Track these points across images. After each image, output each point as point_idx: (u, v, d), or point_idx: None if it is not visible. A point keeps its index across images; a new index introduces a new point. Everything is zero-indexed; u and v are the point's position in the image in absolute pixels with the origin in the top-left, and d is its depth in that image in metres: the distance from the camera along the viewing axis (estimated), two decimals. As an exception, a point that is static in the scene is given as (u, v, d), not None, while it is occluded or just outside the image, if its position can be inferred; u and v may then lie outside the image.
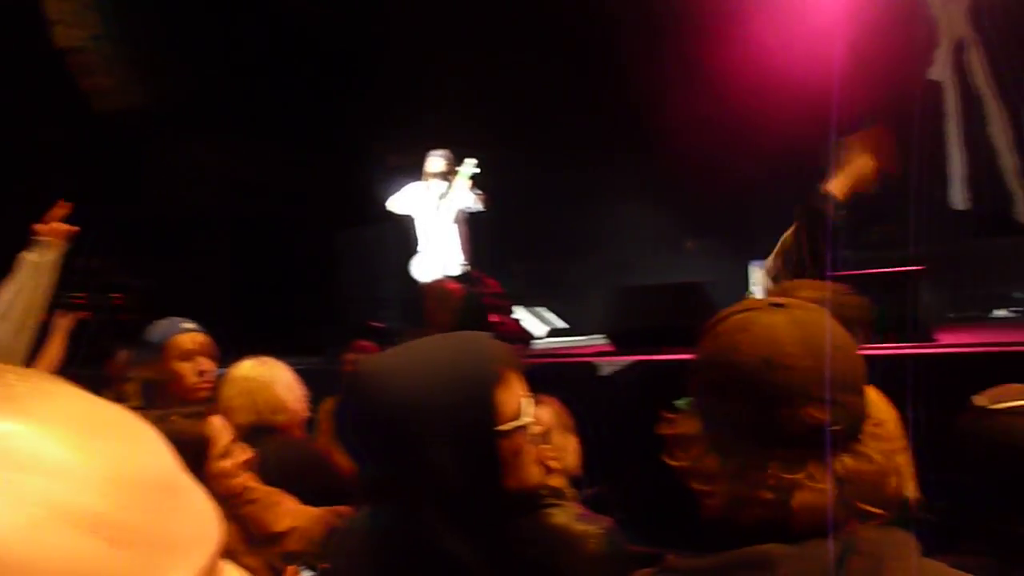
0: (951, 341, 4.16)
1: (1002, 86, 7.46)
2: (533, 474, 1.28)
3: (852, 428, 0.91)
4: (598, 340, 5.23)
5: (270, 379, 2.48)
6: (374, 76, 7.27)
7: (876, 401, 2.39)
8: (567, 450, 1.84)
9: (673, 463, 0.96)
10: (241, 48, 6.79)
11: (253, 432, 2.41)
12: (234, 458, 1.92)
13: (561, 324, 6.77)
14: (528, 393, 1.27)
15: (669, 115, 7.49)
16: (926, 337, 4.07)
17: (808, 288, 1.29)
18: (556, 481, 1.80)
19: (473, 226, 6.24)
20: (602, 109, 7.65)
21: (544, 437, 1.79)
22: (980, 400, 1.34)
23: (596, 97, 7.71)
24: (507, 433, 1.20)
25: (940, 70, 7.73)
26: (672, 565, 0.95)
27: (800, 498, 0.86)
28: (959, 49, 7.65)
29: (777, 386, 0.88)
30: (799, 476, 0.87)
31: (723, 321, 0.97)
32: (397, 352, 1.31)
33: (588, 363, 3.87)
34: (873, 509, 0.89)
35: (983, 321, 6.03)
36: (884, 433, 0.95)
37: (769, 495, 0.87)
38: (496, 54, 7.60)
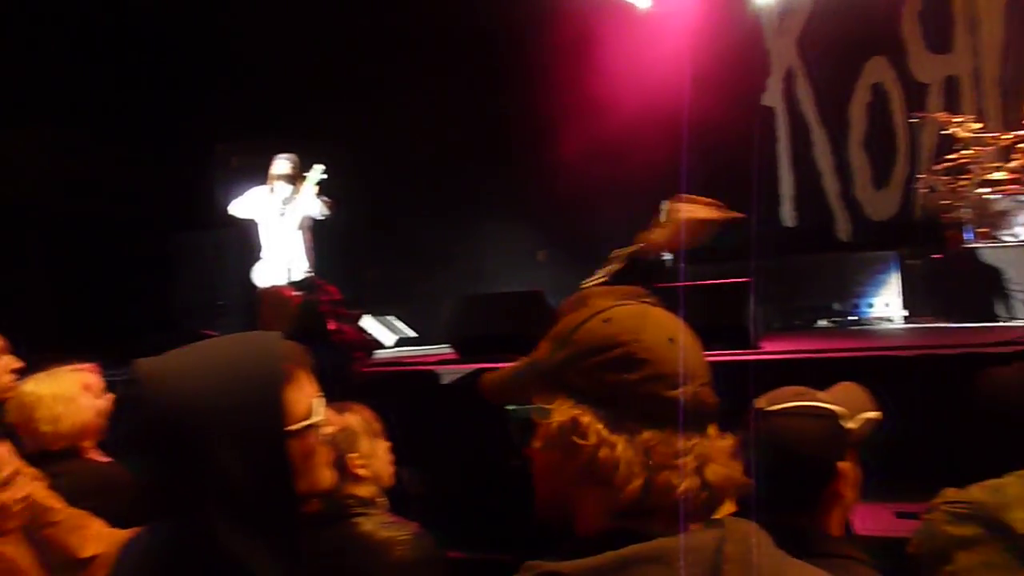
0: (777, 349, 4.43)
1: (824, 113, 8.11)
2: (326, 477, 1.22)
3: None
4: (445, 349, 5.21)
5: (58, 394, 2.29)
6: (221, 71, 6.96)
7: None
8: (376, 457, 1.80)
9: (581, 448, 0.94)
10: (71, 30, 6.31)
11: (49, 454, 2.23)
12: (13, 492, 1.75)
13: (410, 333, 6.71)
14: (320, 393, 1.22)
15: (527, 131, 7.65)
16: (752, 345, 4.30)
17: (606, 295, 1.30)
18: (364, 489, 1.75)
19: (327, 233, 6.09)
20: (462, 121, 7.69)
21: (352, 444, 1.75)
22: (760, 402, 1.41)
23: (456, 109, 7.75)
24: (297, 433, 1.15)
25: (772, 97, 8.31)
26: (548, 569, 0.91)
27: (712, 473, 0.91)
28: (789, 78, 8.25)
29: (675, 364, 0.93)
30: (703, 452, 0.91)
31: (609, 310, 0.99)
32: (179, 353, 1.23)
33: (430, 371, 3.84)
34: (746, 480, 0.96)
35: (807, 331, 6.46)
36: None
37: (690, 470, 0.90)
38: (354, 59, 7.48)
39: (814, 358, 4.07)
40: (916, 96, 7.70)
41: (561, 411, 0.95)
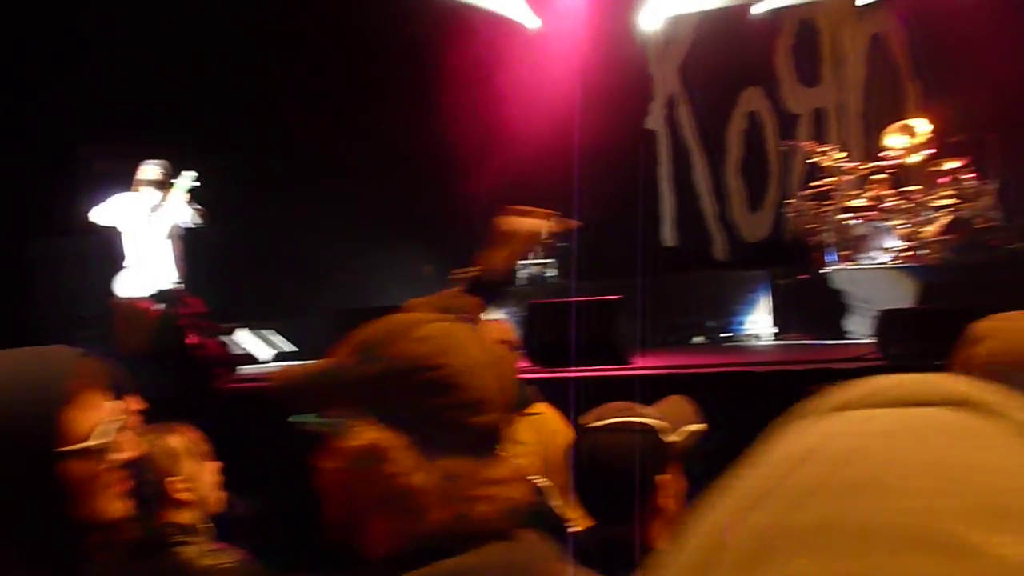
0: (651, 364, 4.53)
1: (704, 138, 8.44)
2: (114, 506, 1.13)
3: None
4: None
5: None
6: (85, 68, 6.58)
7: (553, 418, 2.47)
8: (201, 480, 1.70)
9: (382, 474, 0.89)
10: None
11: None
12: None
13: (289, 347, 6.51)
14: (116, 416, 1.13)
15: (414, 146, 7.60)
16: (622, 360, 4.38)
17: (427, 304, 1.29)
18: (187, 515, 1.66)
19: (203, 243, 5.83)
20: (347, 134, 7.57)
21: (173, 467, 1.65)
22: (585, 419, 1.42)
23: (340, 121, 7.62)
24: (70, 456, 1.07)
25: (655, 121, 8.58)
26: None
27: (508, 495, 0.89)
28: (671, 104, 8.54)
29: (484, 391, 0.91)
30: (501, 476, 0.90)
31: (420, 327, 0.96)
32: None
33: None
34: (534, 497, 0.97)
35: (682, 346, 6.64)
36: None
37: (490, 496, 0.88)
38: (233, 63, 7.24)
39: (680, 373, 4.20)
40: (788, 125, 8.12)
41: (363, 431, 0.90)
